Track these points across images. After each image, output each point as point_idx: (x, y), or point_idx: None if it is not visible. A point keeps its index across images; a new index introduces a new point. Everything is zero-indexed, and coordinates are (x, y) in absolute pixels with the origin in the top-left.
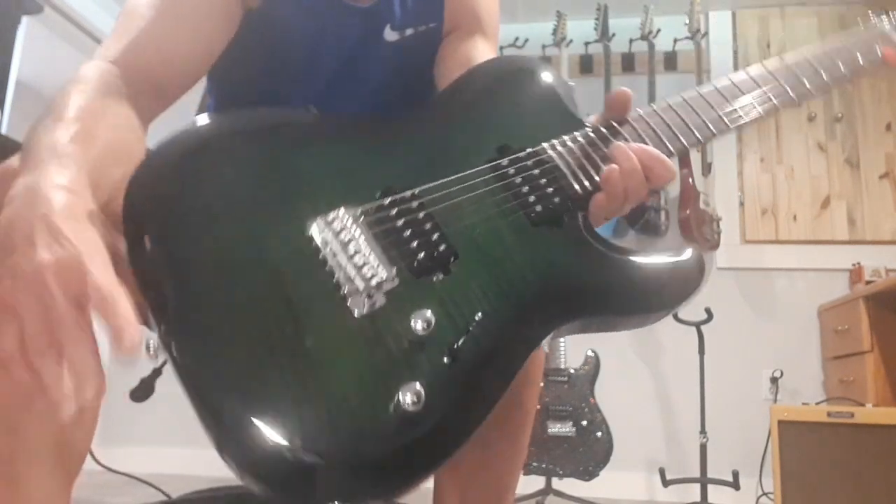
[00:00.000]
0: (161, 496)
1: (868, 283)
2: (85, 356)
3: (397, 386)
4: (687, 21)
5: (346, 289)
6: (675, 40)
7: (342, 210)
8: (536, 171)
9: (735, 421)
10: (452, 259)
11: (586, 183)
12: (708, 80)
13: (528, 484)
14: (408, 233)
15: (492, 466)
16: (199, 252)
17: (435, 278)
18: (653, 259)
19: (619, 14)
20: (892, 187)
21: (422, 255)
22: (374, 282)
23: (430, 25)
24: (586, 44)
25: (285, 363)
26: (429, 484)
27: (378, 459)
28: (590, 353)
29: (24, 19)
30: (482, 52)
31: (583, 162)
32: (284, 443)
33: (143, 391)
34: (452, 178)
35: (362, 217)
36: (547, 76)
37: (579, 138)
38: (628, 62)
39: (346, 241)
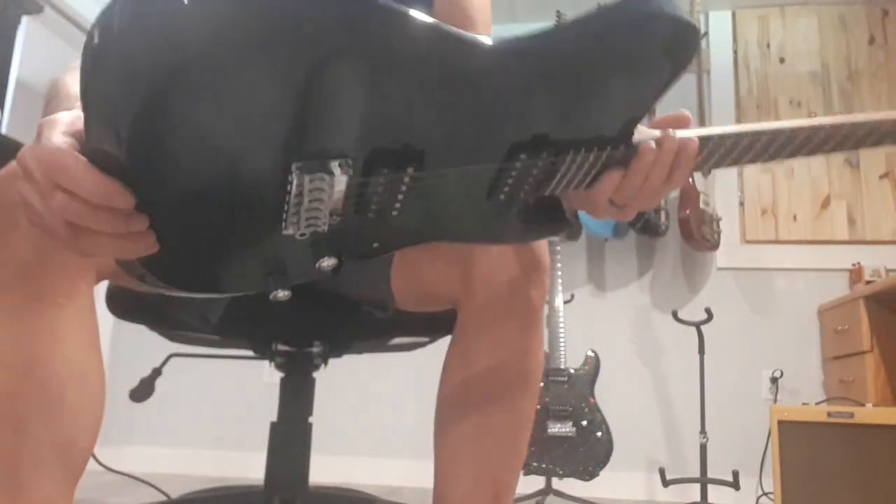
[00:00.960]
0: (161, 496)
1: (868, 283)
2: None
3: (278, 287)
4: None
5: (288, 221)
6: None
7: (332, 165)
8: (535, 173)
9: (735, 421)
10: (396, 215)
11: (559, 190)
12: (708, 80)
13: (528, 484)
14: (377, 199)
15: (491, 467)
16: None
17: (368, 222)
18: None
19: None
20: (892, 187)
21: (372, 214)
22: (314, 223)
23: None
24: None
25: (207, 245)
26: (429, 484)
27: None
28: (590, 353)
29: (24, 19)
30: None
31: (581, 177)
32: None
33: (143, 391)
34: (459, 168)
35: (348, 179)
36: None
37: (605, 156)
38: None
39: (314, 194)
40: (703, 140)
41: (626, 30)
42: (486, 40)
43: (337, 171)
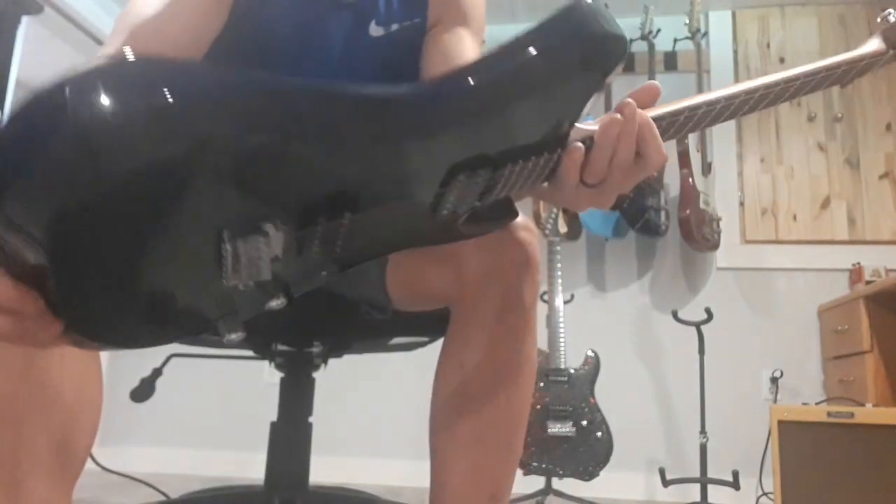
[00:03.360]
0: (160, 496)
1: (868, 283)
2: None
3: (230, 332)
4: (687, 21)
5: (229, 279)
6: (675, 40)
7: (265, 227)
8: (475, 189)
9: (735, 421)
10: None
11: (503, 195)
12: (708, 80)
13: (528, 484)
14: (318, 245)
15: (487, 466)
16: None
17: (313, 260)
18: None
19: (619, 14)
20: (892, 187)
21: (315, 254)
22: (256, 278)
23: (414, 21)
24: None
25: (143, 300)
26: (426, 483)
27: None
28: (590, 353)
29: (24, 19)
30: (466, 45)
31: (527, 182)
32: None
33: (143, 391)
34: (394, 203)
35: (283, 234)
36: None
37: (547, 160)
38: (628, 62)
39: (250, 256)
40: (658, 119)
41: (539, 59)
42: (403, 88)
43: (271, 230)
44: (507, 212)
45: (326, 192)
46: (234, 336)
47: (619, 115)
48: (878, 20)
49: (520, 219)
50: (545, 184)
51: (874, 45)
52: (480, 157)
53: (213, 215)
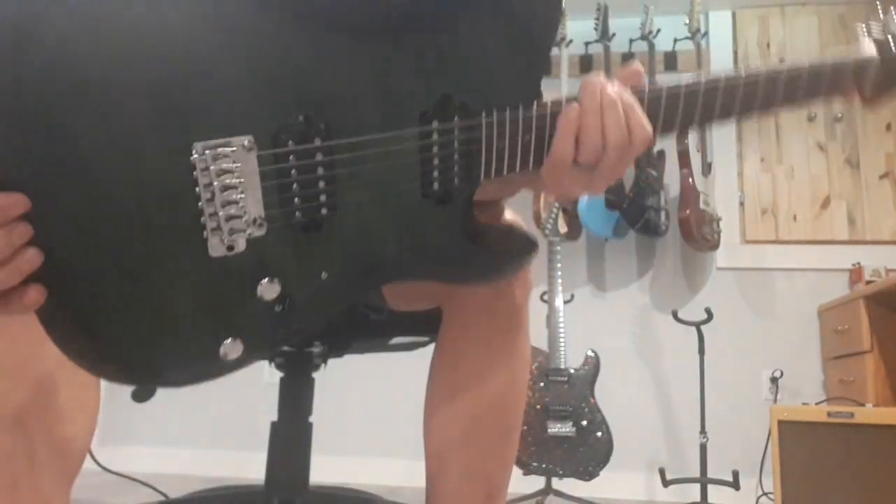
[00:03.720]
0: (160, 496)
1: (868, 283)
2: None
3: (222, 336)
4: (687, 21)
5: (208, 226)
6: (675, 40)
7: (235, 141)
8: (457, 146)
9: (735, 421)
10: (327, 216)
11: (495, 168)
12: None
13: (528, 484)
14: (297, 186)
15: (482, 465)
16: (69, 154)
17: (302, 235)
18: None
19: (619, 14)
20: (892, 187)
21: (299, 213)
22: (238, 225)
23: None
24: (586, 44)
25: (128, 289)
26: (421, 483)
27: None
28: (590, 353)
29: None
30: None
31: (513, 147)
32: (106, 353)
33: (144, 391)
34: (374, 138)
35: (256, 154)
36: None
37: (525, 116)
38: (628, 62)
39: (224, 174)
40: (641, 92)
41: None
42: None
43: (238, 145)
44: (527, 244)
45: (283, 100)
46: (233, 357)
47: (593, 74)
48: (865, 26)
49: (510, 216)
50: (540, 171)
51: (868, 49)
52: (446, 100)
53: (181, 134)
